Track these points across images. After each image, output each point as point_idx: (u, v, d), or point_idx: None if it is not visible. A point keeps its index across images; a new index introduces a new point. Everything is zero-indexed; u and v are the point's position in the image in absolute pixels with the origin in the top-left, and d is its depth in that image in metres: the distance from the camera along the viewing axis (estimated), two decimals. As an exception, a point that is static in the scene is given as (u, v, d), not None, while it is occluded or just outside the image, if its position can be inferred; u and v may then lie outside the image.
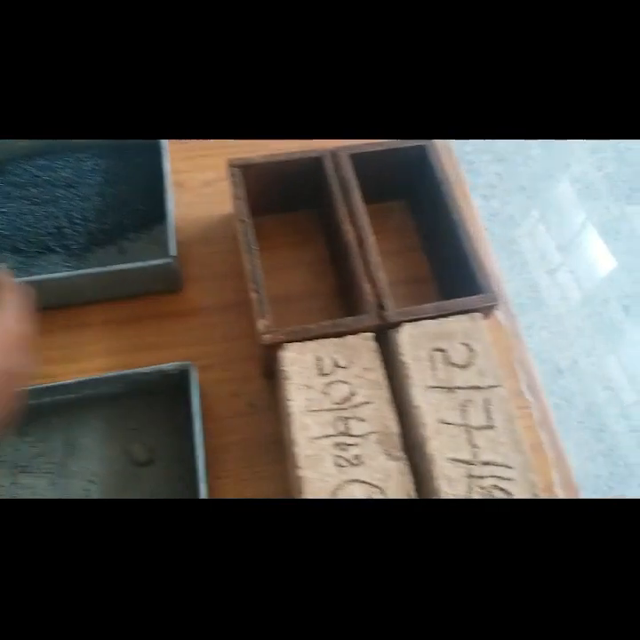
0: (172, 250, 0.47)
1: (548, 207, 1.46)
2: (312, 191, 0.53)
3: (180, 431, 0.44)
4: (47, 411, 0.45)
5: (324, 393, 0.40)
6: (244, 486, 0.44)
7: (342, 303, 0.50)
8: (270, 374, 0.46)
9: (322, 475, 0.37)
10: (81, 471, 0.43)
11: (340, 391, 0.40)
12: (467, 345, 0.40)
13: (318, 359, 0.41)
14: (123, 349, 0.49)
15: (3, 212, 0.53)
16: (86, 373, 0.47)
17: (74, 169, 0.55)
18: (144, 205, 0.54)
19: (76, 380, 0.43)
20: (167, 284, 0.51)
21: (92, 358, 0.48)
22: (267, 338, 0.41)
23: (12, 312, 0.34)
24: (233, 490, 0.43)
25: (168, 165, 0.52)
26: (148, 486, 0.42)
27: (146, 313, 0.51)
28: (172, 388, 0.44)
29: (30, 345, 0.35)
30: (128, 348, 0.49)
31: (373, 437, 0.38)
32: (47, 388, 0.43)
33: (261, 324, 0.42)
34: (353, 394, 0.40)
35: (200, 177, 0.58)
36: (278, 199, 0.54)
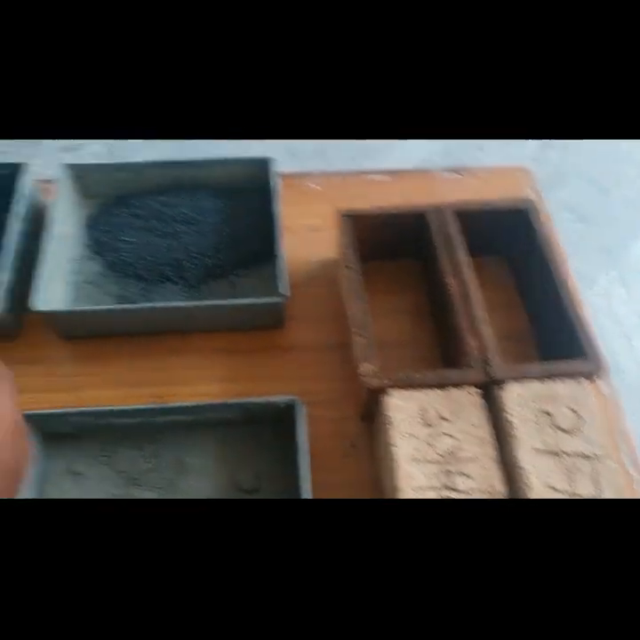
0: (284, 289, 0.50)
1: (627, 270, 1.42)
2: (414, 242, 0.56)
3: (284, 462, 0.46)
4: (161, 429, 0.48)
5: (429, 444, 0.41)
6: None
7: (442, 354, 0.52)
8: (369, 417, 0.48)
9: (424, 524, 0.38)
10: (188, 490, 0.46)
11: (445, 444, 0.41)
12: (574, 411, 0.41)
13: (422, 409, 0.42)
14: (229, 377, 0.52)
15: (129, 242, 0.58)
16: (195, 396, 0.50)
17: (193, 207, 0.60)
18: (255, 245, 0.58)
19: (193, 403, 0.46)
20: (273, 320, 0.54)
21: (201, 382, 0.52)
22: (371, 382, 0.43)
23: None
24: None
25: (280, 209, 0.56)
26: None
27: (251, 345, 0.54)
28: (280, 420, 0.46)
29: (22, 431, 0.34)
30: (234, 377, 0.52)
31: (478, 495, 0.39)
32: (163, 407, 0.46)
33: (366, 367, 0.44)
34: (458, 448, 0.41)
35: (306, 222, 0.61)
36: (380, 248, 0.56)
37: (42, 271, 0.51)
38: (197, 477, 0.46)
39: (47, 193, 0.60)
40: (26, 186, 0.56)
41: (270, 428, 0.48)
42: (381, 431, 0.43)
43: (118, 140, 1.62)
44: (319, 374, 0.53)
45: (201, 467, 0.47)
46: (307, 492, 0.41)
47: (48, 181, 0.61)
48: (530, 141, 1.66)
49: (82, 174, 0.59)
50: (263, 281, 0.57)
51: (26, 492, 0.43)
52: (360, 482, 0.47)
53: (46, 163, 0.62)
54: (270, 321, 0.54)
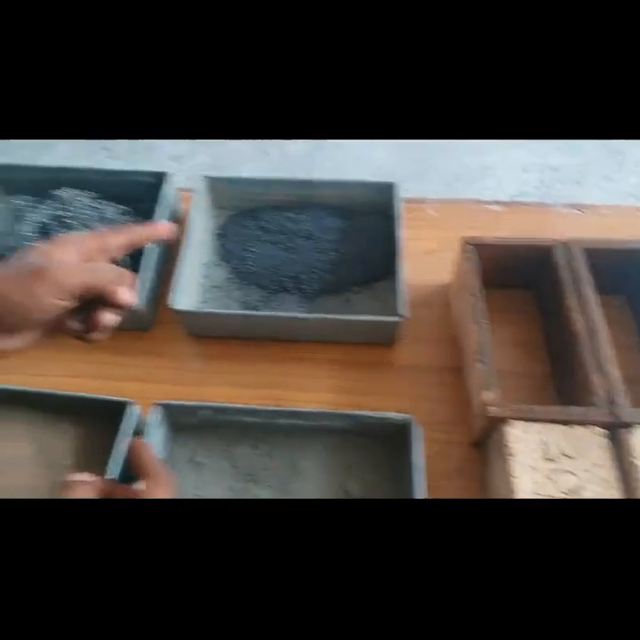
0: (403, 310, 0.52)
1: None
2: (532, 274, 0.56)
3: (393, 477, 0.48)
4: (277, 430, 0.51)
5: (550, 479, 0.41)
6: None
7: (558, 388, 0.51)
8: (481, 444, 0.48)
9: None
10: (298, 493, 0.48)
11: (568, 482, 0.40)
12: None
13: (544, 443, 0.42)
14: (341, 388, 0.55)
15: (255, 252, 0.62)
16: (308, 402, 0.53)
17: (315, 224, 0.63)
18: (371, 264, 0.60)
19: (312, 409, 0.48)
20: (387, 338, 0.56)
21: (314, 390, 0.55)
22: (493, 410, 0.44)
23: None
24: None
25: (402, 233, 0.58)
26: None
27: (364, 359, 0.56)
28: (393, 436, 0.48)
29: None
30: (346, 388, 0.54)
31: (598, 534, 0.38)
32: (283, 410, 0.49)
33: (488, 396, 0.45)
34: (581, 488, 0.40)
35: (421, 246, 0.63)
36: (496, 276, 0.57)
37: (179, 274, 0.56)
38: (308, 481, 0.49)
39: (180, 201, 0.65)
40: (169, 193, 0.62)
41: (382, 442, 0.49)
42: (498, 460, 0.44)
43: (220, 152, 1.72)
44: (428, 395, 0.54)
45: (312, 471, 0.49)
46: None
47: (186, 190, 0.67)
48: (631, 177, 1.60)
49: (218, 186, 0.64)
50: (377, 299, 0.59)
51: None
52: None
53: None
54: (384, 339, 0.56)
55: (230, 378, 0.56)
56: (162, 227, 0.39)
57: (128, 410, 0.48)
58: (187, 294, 0.57)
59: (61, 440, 0.50)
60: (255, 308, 0.59)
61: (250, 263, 0.61)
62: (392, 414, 0.47)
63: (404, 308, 0.52)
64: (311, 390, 0.54)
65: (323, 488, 0.48)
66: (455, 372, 0.55)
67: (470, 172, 1.60)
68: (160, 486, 0.36)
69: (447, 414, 0.52)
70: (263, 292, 0.60)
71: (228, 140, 1.81)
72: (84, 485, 0.35)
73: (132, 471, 0.37)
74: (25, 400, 0.52)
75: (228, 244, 0.63)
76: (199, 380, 0.57)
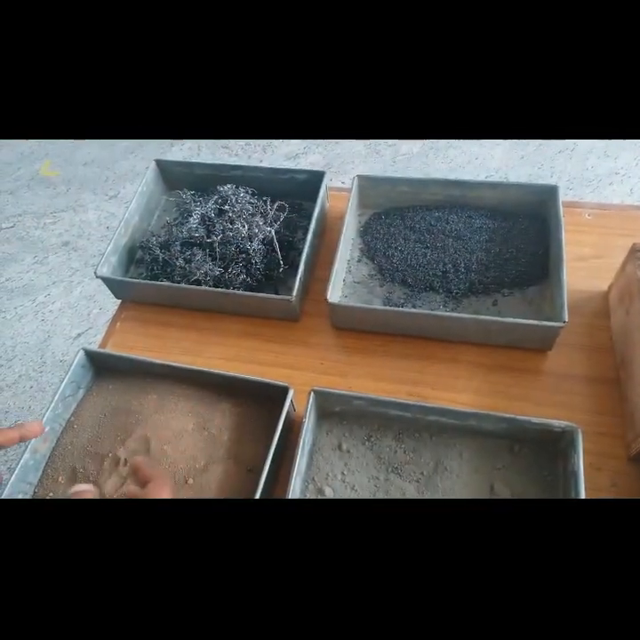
0: (564, 315, 0.50)
1: None
2: None
3: (545, 483, 0.47)
4: (423, 427, 0.51)
5: None
6: None
7: None
8: (646, 461, 0.46)
9: None
10: (445, 490, 0.48)
11: None
12: None
13: None
14: (485, 391, 0.54)
15: (400, 250, 0.63)
16: (449, 403, 0.53)
17: (465, 225, 0.63)
18: (522, 267, 0.59)
19: (466, 409, 0.48)
20: (541, 343, 0.54)
21: (457, 391, 0.55)
22: (670, 427, 0.41)
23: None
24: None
25: (563, 236, 0.56)
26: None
27: (512, 364, 0.55)
28: (546, 443, 0.47)
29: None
30: (490, 391, 0.54)
31: None
32: (435, 407, 0.49)
33: (665, 411, 0.42)
34: None
35: (576, 251, 0.60)
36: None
37: (335, 269, 0.58)
38: (454, 480, 0.49)
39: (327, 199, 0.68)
40: (323, 191, 0.65)
41: (533, 448, 0.48)
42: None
43: (333, 152, 1.75)
44: (581, 405, 0.52)
45: (459, 471, 0.49)
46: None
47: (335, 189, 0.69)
48: None
49: (369, 185, 0.65)
50: (527, 303, 0.58)
51: (299, 458, 0.49)
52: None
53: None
54: (538, 344, 0.54)
55: (372, 371, 0.58)
56: (31, 428, 0.41)
57: (289, 394, 0.51)
58: (336, 289, 0.59)
59: (220, 417, 0.55)
60: (398, 306, 0.60)
61: (395, 261, 0.63)
62: (554, 421, 0.46)
63: (565, 313, 0.51)
64: (454, 391, 0.54)
65: (468, 488, 0.48)
66: (610, 383, 0.52)
67: (596, 175, 1.50)
68: (162, 487, 0.37)
69: (602, 426, 0.50)
70: (407, 289, 0.61)
71: (340, 140, 1.84)
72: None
73: (137, 481, 0.39)
74: (191, 378, 0.57)
75: (373, 242, 0.65)
76: (342, 371, 0.59)
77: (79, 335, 1.48)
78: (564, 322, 0.50)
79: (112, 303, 1.54)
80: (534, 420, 0.46)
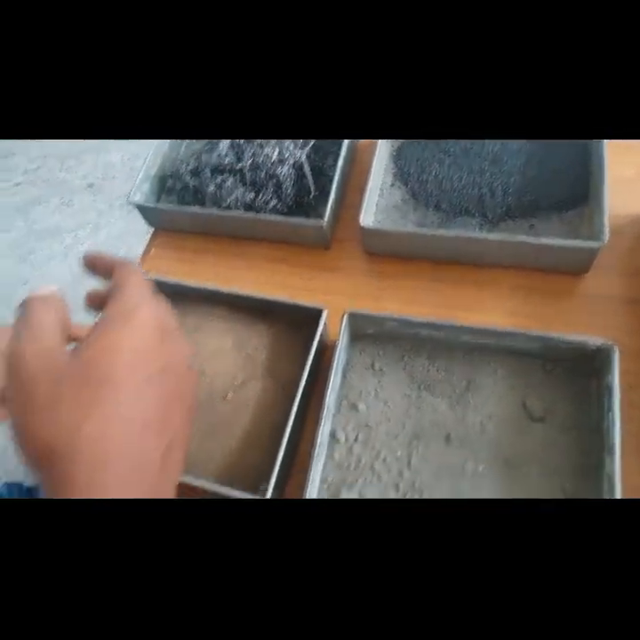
0: (604, 234, 0.49)
1: None
2: None
3: (578, 400, 0.47)
4: (456, 347, 0.52)
5: None
6: (635, 476, 0.45)
7: None
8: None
9: None
10: (478, 406, 0.49)
11: None
12: None
13: None
14: (522, 313, 0.54)
15: (434, 174, 0.62)
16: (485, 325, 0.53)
17: (502, 147, 0.61)
18: (561, 190, 0.57)
19: (498, 328, 0.49)
20: (578, 266, 0.53)
21: (493, 314, 0.54)
22: None
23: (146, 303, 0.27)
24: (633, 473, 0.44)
25: (606, 153, 0.54)
26: (540, 440, 0.47)
27: (550, 287, 0.55)
28: (580, 362, 0.47)
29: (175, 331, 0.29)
30: (527, 314, 0.54)
31: None
32: (468, 327, 0.50)
33: None
34: None
35: (619, 172, 0.58)
36: None
37: (368, 192, 0.57)
38: (487, 397, 0.50)
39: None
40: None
41: (567, 368, 0.49)
42: None
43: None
44: (616, 326, 0.51)
45: (492, 388, 0.50)
46: (616, 436, 0.42)
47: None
48: None
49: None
50: (565, 226, 0.56)
51: (337, 378, 0.51)
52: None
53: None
54: (576, 266, 0.54)
55: (405, 295, 0.58)
56: None
57: (323, 315, 0.52)
58: (368, 214, 0.59)
59: (257, 338, 0.56)
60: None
61: (429, 185, 0.61)
62: (589, 338, 0.46)
63: (606, 233, 0.49)
64: (487, 314, 0.54)
65: (500, 404, 0.49)
66: (647, 305, 0.52)
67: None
68: (133, 273, 0.29)
69: (636, 347, 0.50)
70: (441, 214, 0.60)
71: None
72: (46, 304, 0.26)
73: (96, 272, 0.32)
74: (227, 301, 0.58)
75: (406, 166, 0.64)
76: (376, 296, 0.59)
77: (108, 276, 1.51)
78: (604, 242, 0.49)
79: (139, 243, 1.56)
80: (568, 337, 0.46)
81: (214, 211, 0.62)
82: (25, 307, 0.25)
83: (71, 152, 1.76)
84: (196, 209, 0.63)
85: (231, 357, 0.55)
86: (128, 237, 1.55)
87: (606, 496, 0.41)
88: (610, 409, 0.43)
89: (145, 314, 0.24)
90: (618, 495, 0.40)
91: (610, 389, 0.43)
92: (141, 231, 1.57)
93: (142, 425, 0.23)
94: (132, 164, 1.69)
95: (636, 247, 0.55)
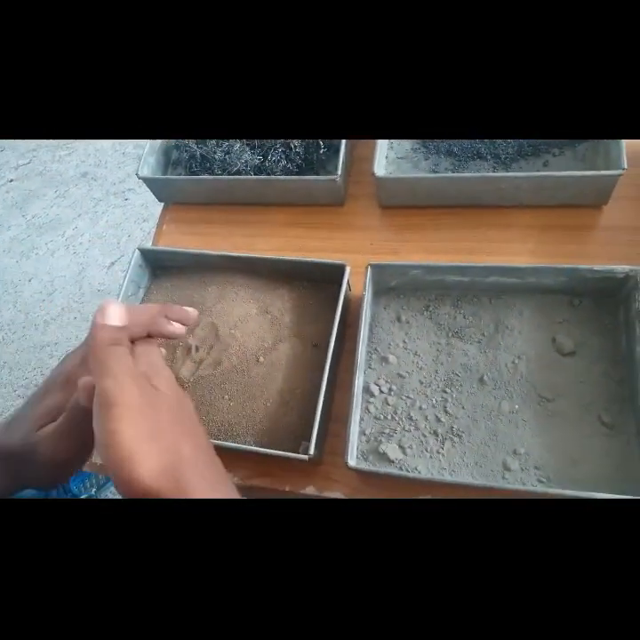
0: (623, 161, 0.49)
1: None
2: None
3: (603, 332, 0.48)
4: (480, 292, 0.52)
5: None
6: None
7: None
8: None
9: None
10: (508, 347, 0.50)
11: None
12: None
13: None
14: (548, 253, 0.54)
15: (443, 121, 0.61)
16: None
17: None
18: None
19: (526, 265, 0.49)
20: (599, 197, 0.53)
21: (513, 255, 0.54)
22: None
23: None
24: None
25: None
26: (572, 374, 0.47)
27: (566, 223, 0.54)
28: (608, 293, 0.47)
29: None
30: (552, 253, 0.54)
31: None
32: (494, 267, 0.49)
33: None
34: None
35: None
36: None
37: (376, 145, 0.57)
38: (516, 337, 0.50)
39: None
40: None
41: (595, 301, 0.49)
42: None
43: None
44: (636, 256, 0.51)
45: (521, 328, 0.50)
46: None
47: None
48: None
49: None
50: (579, 160, 0.56)
51: (365, 331, 0.51)
52: None
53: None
54: (596, 198, 0.53)
55: (424, 246, 0.58)
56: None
57: (346, 271, 0.52)
58: (378, 165, 0.58)
59: (280, 301, 0.56)
60: (445, 178, 0.59)
61: (438, 132, 0.60)
62: (617, 266, 0.46)
63: (624, 160, 0.49)
64: (510, 255, 0.54)
65: (530, 342, 0.49)
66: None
67: None
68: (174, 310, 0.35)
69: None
70: (453, 159, 0.60)
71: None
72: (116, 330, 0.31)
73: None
74: (246, 266, 0.58)
75: (414, 115, 0.62)
76: (394, 248, 0.59)
77: (112, 264, 1.50)
78: (623, 169, 0.49)
79: (140, 230, 1.55)
80: (596, 267, 0.46)
81: (224, 177, 0.62)
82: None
83: (60, 142, 1.73)
84: (205, 177, 0.63)
85: (257, 322, 0.55)
86: (127, 224, 1.54)
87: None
88: (633, 338, 0.43)
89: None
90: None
91: (639, 315, 0.44)
92: (140, 217, 1.56)
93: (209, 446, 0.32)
94: (123, 149, 1.66)
95: (653, 176, 0.55)
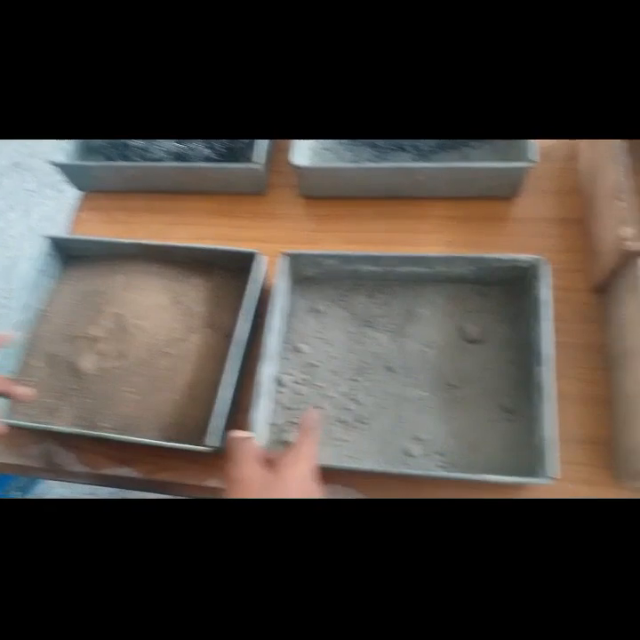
0: (533, 154, 0.50)
1: None
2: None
3: (510, 320, 0.48)
4: (393, 281, 0.52)
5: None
6: (559, 382, 0.46)
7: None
8: (605, 288, 0.47)
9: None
10: (418, 335, 0.50)
11: None
12: None
13: (687, 274, 0.41)
14: (458, 242, 0.54)
15: (364, 112, 0.61)
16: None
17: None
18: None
19: (435, 254, 0.49)
20: (509, 189, 0.54)
21: (434, 246, 0.55)
22: (630, 245, 0.42)
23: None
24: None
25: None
26: (479, 361, 0.48)
27: (483, 214, 0.55)
28: (514, 281, 0.48)
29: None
30: (466, 244, 0.54)
31: None
32: (406, 256, 0.49)
33: (626, 231, 0.43)
34: None
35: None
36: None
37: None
38: (426, 325, 0.50)
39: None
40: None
41: (502, 289, 0.50)
42: (629, 297, 0.43)
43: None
44: (549, 246, 0.52)
45: (430, 317, 0.50)
46: (548, 346, 0.43)
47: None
48: None
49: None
50: (497, 153, 0.57)
51: (277, 320, 0.50)
52: (579, 346, 0.48)
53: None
54: (508, 190, 0.54)
55: (344, 236, 0.58)
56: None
57: (257, 259, 0.51)
58: (300, 155, 0.58)
59: (194, 291, 0.55)
60: (366, 169, 0.58)
61: (359, 124, 0.60)
62: (521, 256, 0.47)
63: (534, 153, 0.50)
64: (425, 246, 0.54)
65: (439, 331, 0.49)
66: (576, 223, 0.53)
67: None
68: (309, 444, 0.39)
69: (570, 263, 0.51)
70: (375, 151, 0.59)
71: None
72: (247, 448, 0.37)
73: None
74: (159, 255, 0.56)
75: (337, 106, 0.62)
76: (314, 239, 0.58)
77: (49, 259, 1.44)
78: (532, 162, 0.50)
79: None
80: (502, 257, 0.47)
81: (142, 164, 0.60)
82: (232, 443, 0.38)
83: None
84: (123, 163, 0.60)
85: (169, 312, 0.53)
86: (62, 217, 1.48)
87: (538, 405, 0.42)
88: (540, 321, 0.44)
89: (303, 465, 0.37)
90: (550, 403, 0.41)
91: (540, 302, 0.44)
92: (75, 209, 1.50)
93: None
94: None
95: (566, 167, 0.56)
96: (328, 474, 0.45)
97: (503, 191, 0.54)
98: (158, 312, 0.53)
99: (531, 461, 0.42)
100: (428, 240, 0.55)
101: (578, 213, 0.54)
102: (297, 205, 0.60)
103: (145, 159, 0.61)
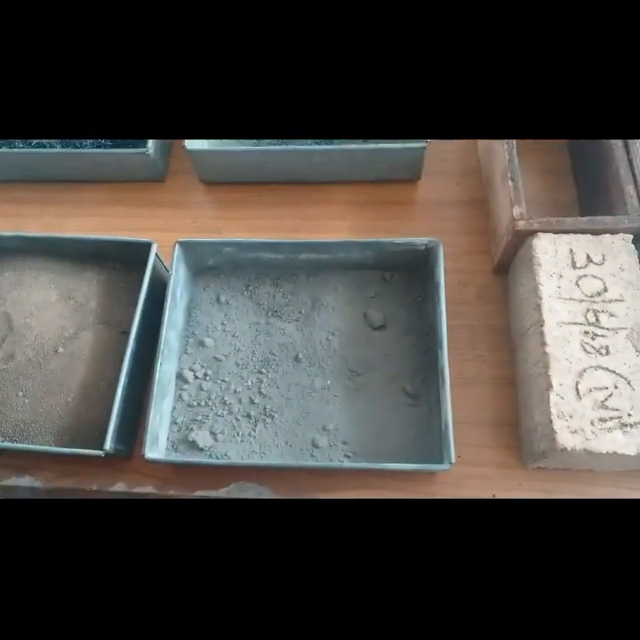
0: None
1: None
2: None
3: (413, 305, 0.48)
4: (298, 269, 0.51)
5: (576, 284, 0.41)
6: (465, 365, 0.47)
7: (583, 210, 0.50)
8: (505, 268, 0.48)
9: (568, 356, 0.39)
10: (323, 323, 0.49)
11: (592, 285, 0.40)
12: None
13: (571, 252, 0.42)
14: (364, 228, 0.54)
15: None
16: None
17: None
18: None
19: (334, 240, 0.48)
20: (410, 172, 0.54)
21: (336, 232, 0.54)
22: (521, 224, 0.43)
23: None
24: (456, 364, 0.46)
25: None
26: (381, 347, 0.47)
27: (383, 198, 0.55)
28: (415, 265, 0.48)
29: None
30: (369, 229, 0.53)
31: (623, 333, 0.39)
32: (305, 243, 0.48)
33: (516, 211, 0.43)
34: (605, 290, 0.40)
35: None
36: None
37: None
38: (331, 314, 0.49)
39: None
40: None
41: (404, 274, 0.49)
42: (525, 274, 0.44)
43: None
44: (451, 228, 0.53)
45: (335, 305, 0.49)
46: (443, 329, 0.43)
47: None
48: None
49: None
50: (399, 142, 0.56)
51: (178, 313, 0.48)
52: (481, 327, 0.48)
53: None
54: (406, 173, 0.54)
55: (248, 223, 0.56)
56: None
57: (153, 249, 0.48)
58: (198, 142, 0.55)
59: (86, 285, 0.51)
60: (270, 153, 0.57)
61: (261, 106, 0.58)
62: (417, 239, 0.46)
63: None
64: (330, 232, 0.53)
65: (344, 319, 0.49)
66: (479, 203, 0.54)
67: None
68: None
69: (471, 245, 0.52)
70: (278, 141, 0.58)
71: None
72: None
73: None
74: (48, 248, 0.52)
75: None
76: (217, 227, 0.56)
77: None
78: (427, 141, 0.49)
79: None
80: (397, 240, 0.47)
81: (25, 150, 0.55)
82: None
83: None
84: (4, 149, 0.55)
85: (57, 309, 0.50)
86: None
87: (440, 389, 0.42)
88: (438, 304, 0.44)
89: None
90: (445, 386, 0.41)
91: (438, 286, 0.44)
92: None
93: None
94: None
95: (466, 148, 0.57)
96: (236, 471, 0.44)
97: (404, 174, 0.54)
98: (47, 309, 0.49)
99: (434, 447, 0.42)
100: (333, 226, 0.54)
101: (481, 195, 0.54)
102: (198, 192, 0.58)
103: (31, 146, 0.57)
